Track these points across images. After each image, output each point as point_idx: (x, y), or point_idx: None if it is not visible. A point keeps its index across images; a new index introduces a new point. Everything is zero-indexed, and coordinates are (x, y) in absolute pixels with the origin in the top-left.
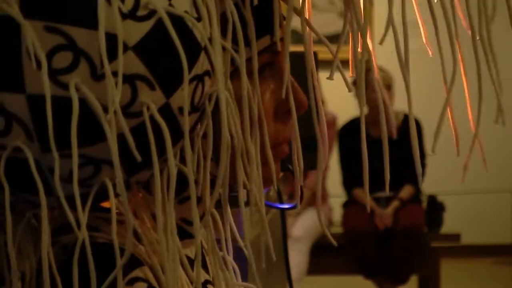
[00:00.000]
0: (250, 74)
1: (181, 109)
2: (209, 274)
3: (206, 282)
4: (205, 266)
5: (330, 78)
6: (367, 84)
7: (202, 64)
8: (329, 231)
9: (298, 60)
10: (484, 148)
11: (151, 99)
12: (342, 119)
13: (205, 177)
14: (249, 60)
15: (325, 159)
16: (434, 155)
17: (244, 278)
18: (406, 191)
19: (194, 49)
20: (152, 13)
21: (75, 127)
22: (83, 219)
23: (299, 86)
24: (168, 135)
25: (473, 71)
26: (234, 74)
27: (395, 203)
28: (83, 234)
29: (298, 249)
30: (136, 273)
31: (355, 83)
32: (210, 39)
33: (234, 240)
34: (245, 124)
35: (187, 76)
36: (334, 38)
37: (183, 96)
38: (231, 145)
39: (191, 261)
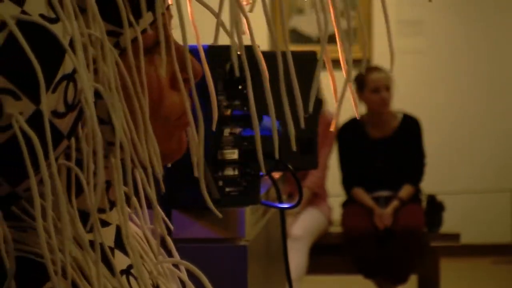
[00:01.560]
0: (139, 52)
1: (54, 112)
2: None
3: (130, 266)
4: (124, 251)
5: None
6: (366, 85)
7: (70, 63)
8: (329, 230)
9: (299, 60)
10: (484, 148)
11: (19, 110)
12: (342, 118)
13: (100, 168)
14: (135, 40)
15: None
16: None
17: (244, 277)
18: (405, 191)
19: (57, 50)
20: (3, 24)
21: None
22: None
23: (298, 85)
24: (38, 144)
25: (474, 71)
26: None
27: (394, 203)
28: None
29: (298, 248)
30: (48, 285)
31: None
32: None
33: (234, 239)
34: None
35: (43, 87)
36: (334, 38)
37: (53, 99)
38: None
39: (111, 249)
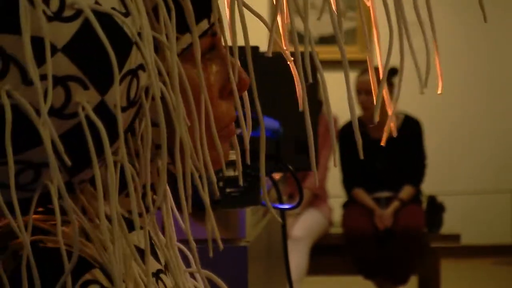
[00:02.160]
0: (193, 58)
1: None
2: (160, 264)
3: (159, 271)
4: (155, 256)
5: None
6: (366, 85)
7: (135, 59)
8: (329, 231)
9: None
10: (484, 148)
11: (85, 99)
12: (343, 119)
13: (145, 170)
14: (191, 45)
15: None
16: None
17: (244, 278)
18: (406, 192)
19: (125, 44)
20: (79, 13)
21: (9, 134)
22: (21, 223)
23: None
24: (105, 134)
25: (474, 72)
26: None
27: (395, 204)
28: (26, 239)
29: (298, 249)
30: (87, 276)
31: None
32: (140, 34)
33: (235, 240)
34: (191, 110)
35: (117, 74)
36: (334, 38)
37: (118, 92)
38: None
39: (142, 251)
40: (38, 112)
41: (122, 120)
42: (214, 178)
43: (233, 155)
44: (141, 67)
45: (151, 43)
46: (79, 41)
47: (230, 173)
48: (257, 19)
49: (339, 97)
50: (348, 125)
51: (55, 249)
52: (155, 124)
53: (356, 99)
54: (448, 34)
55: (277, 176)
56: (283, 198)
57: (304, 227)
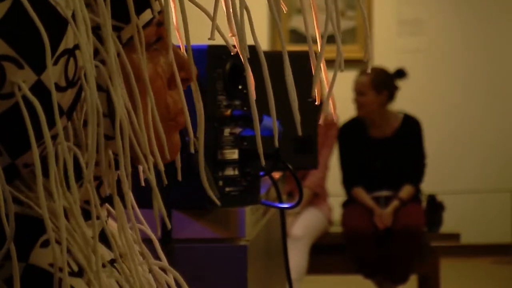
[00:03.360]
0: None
1: (55, 85)
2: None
3: (112, 260)
4: (109, 247)
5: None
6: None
7: (71, 38)
8: (329, 230)
9: (299, 60)
10: (484, 148)
11: (21, 79)
12: (342, 118)
13: (92, 157)
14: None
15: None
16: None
17: (244, 277)
18: (405, 191)
19: (59, 24)
20: None
21: None
22: None
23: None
24: (42, 113)
25: (474, 71)
26: (125, 47)
27: (394, 203)
28: None
29: (298, 248)
30: (45, 236)
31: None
32: (74, 14)
33: (234, 239)
34: (135, 98)
35: (49, 53)
36: (333, 38)
37: (54, 72)
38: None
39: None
40: None
41: (61, 99)
42: (161, 167)
43: (233, 154)
44: (78, 47)
45: (87, 24)
46: (11, 21)
47: (229, 172)
48: (257, 18)
49: (338, 97)
50: (348, 124)
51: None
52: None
53: (352, 98)
54: (448, 33)
55: (276, 175)
56: (283, 197)
57: (304, 226)
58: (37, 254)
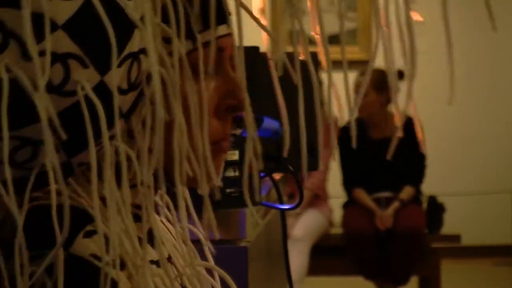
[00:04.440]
0: (194, 69)
1: (118, 88)
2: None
3: (156, 261)
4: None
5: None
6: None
7: (137, 42)
8: (330, 232)
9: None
10: (484, 149)
11: (85, 78)
12: (343, 120)
13: (148, 159)
14: (191, 54)
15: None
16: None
17: (245, 278)
18: (406, 192)
19: (127, 27)
20: None
21: (5, 107)
22: (13, 199)
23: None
24: (103, 113)
25: (474, 72)
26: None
27: (395, 204)
28: (19, 218)
29: (299, 250)
30: (91, 227)
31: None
32: (142, 18)
33: (235, 240)
34: (191, 115)
35: (115, 55)
36: (334, 38)
37: (118, 74)
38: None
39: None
40: (36, 87)
41: (122, 102)
42: (205, 191)
43: (234, 156)
44: (143, 51)
45: (155, 29)
46: (80, 20)
47: (230, 173)
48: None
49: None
50: (348, 126)
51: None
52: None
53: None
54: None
55: (277, 176)
56: (283, 199)
57: (305, 227)
58: (79, 244)
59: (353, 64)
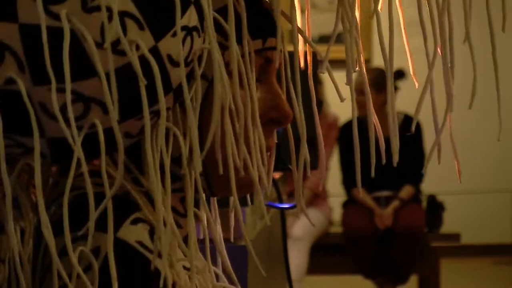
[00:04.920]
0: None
1: (170, 58)
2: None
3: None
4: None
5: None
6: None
7: (191, 18)
8: (329, 230)
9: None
10: (484, 148)
11: (140, 39)
12: (343, 119)
13: (194, 144)
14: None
15: (326, 159)
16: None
17: (244, 278)
18: (406, 191)
19: (184, 0)
20: None
21: (67, 56)
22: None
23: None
24: (159, 76)
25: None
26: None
27: (395, 203)
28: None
29: (298, 249)
30: (137, 215)
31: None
32: None
33: (234, 239)
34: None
35: (179, 17)
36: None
37: (172, 43)
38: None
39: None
40: (94, 42)
41: (174, 75)
42: (235, 194)
43: None
44: (196, 29)
45: (210, 7)
46: None
47: None
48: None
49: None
50: (348, 125)
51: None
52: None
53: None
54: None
55: (276, 175)
56: (283, 198)
57: (304, 226)
58: (126, 230)
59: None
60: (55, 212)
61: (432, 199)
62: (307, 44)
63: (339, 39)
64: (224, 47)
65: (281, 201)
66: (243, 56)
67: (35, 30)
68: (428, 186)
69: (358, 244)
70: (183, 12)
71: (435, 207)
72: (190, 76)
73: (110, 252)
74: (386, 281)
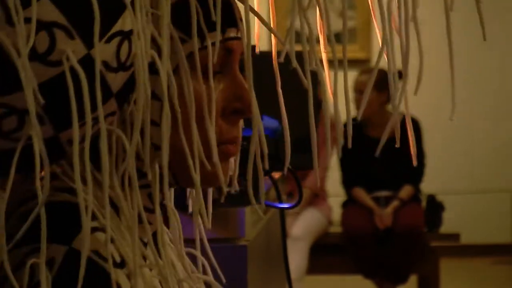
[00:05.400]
0: (196, 69)
1: (106, 64)
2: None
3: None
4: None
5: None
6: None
7: (129, 23)
8: (329, 230)
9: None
10: (484, 148)
11: (71, 49)
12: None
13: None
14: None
15: (325, 159)
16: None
17: (244, 277)
18: (405, 191)
19: (117, 4)
20: None
21: None
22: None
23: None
24: (86, 84)
25: (474, 71)
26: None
27: (394, 203)
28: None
29: (298, 248)
30: (93, 224)
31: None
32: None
33: (234, 239)
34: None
35: (97, 25)
36: (334, 38)
37: (106, 50)
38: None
39: (144, 244)
40: (20, 54)
41: (111, 80)
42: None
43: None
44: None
45: (145, 12)
46: None
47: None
48: (255, 16)
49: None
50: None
51: (62, 203)
52: (154, 123)
53: (353, 98)
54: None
55: (276, 175)
56: (283, 197)
57: (304, 226)
58: (81, 240)
59: (352, 63)
60: (14, 224)
61: (431, 199)
62: (307, 42)
63: (338, 38)
64: (183, 40)
65: (280, 201)
66: (202, 49)
67: None
68: (427, 186)
69: (358, 244)
70: (117, 16)
71: (435, 207)
72: (132, 82)
73: (42, 264)
74: (386, 281)
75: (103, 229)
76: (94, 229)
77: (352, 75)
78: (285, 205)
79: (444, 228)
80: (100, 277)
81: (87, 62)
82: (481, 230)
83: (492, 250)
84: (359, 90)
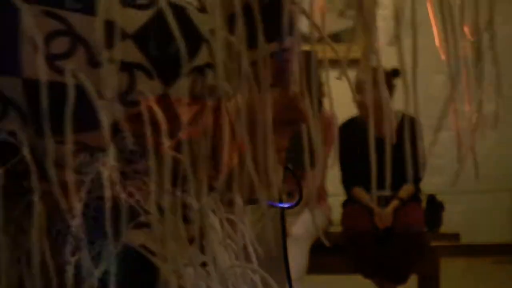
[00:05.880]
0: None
1: (179, 100)
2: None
3: (204, 263)
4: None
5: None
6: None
7: (203, 56)
8: (329, 230)
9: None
10: (484, 147)
11: (149, 89)
12: (342, 117)
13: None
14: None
15: (325, 158)
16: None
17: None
18: (405, 191)
19: (195, 40)
20: (153, 2)
21: (70, 112)
22: (78, 205)
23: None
24: (165, 125)
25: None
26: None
27: (394, 203)
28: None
29: (298, 248)
30: (140, 219)
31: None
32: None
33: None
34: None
35: (187, 67)
36: (334, 38)
37: (181, 85)
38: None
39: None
40: (99, 95)
41: (185, 113)
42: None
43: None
44: (209, 65)
45: (222, 42)
46: (149, 31)
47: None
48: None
49: (338, 95)
50: (347, 124)
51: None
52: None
53: (353, 98)
54: None
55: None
56: (283, 197)
57: (304, 225)
58: (130, 234)
59: (352, 62)
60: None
61: (431, 198)
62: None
63: (339, 38)
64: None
65: (280, 201)
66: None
67: (39, 85)
68: (428, 185)
69: (357, 243)
70: (195, 53)
71: (435, 207)
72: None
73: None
74: (386, 281)
75: (148, 224)
76: (141, 224)
77: (352, 75)
78: (285, 205)
79: (444, 228)
80: (148, 271)
81: (164, 99)
82: (481, 230)
83: (491, 249)
84: (357, 88)
